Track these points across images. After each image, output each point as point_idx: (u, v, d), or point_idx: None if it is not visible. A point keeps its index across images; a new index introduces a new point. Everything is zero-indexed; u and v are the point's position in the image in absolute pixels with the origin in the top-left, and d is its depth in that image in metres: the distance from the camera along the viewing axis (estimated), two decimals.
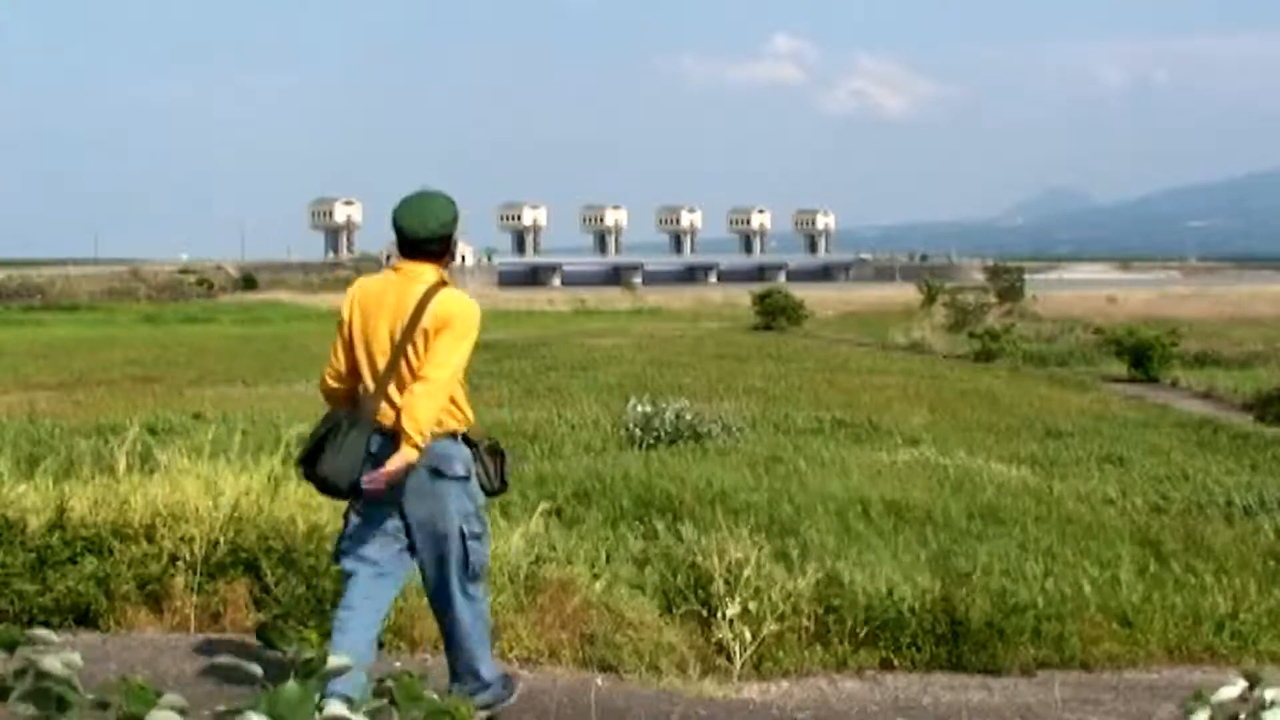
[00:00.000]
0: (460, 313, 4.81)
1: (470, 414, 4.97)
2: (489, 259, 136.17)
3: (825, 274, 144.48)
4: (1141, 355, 29.15)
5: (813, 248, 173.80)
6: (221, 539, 7.02)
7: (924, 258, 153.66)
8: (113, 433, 12.22)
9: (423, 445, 4.63)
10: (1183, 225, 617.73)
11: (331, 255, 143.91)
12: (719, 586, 7.48)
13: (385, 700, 1.55)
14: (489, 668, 5.04)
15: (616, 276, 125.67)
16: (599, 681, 6.59)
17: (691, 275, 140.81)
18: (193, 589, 6.90)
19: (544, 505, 9.09)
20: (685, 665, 6.96)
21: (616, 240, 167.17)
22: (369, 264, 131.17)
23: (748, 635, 7.21)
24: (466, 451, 4.90)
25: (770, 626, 7.41)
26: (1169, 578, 8.83)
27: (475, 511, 4.90)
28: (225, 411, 18.58)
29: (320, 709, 1.48)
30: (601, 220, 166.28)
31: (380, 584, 4.86)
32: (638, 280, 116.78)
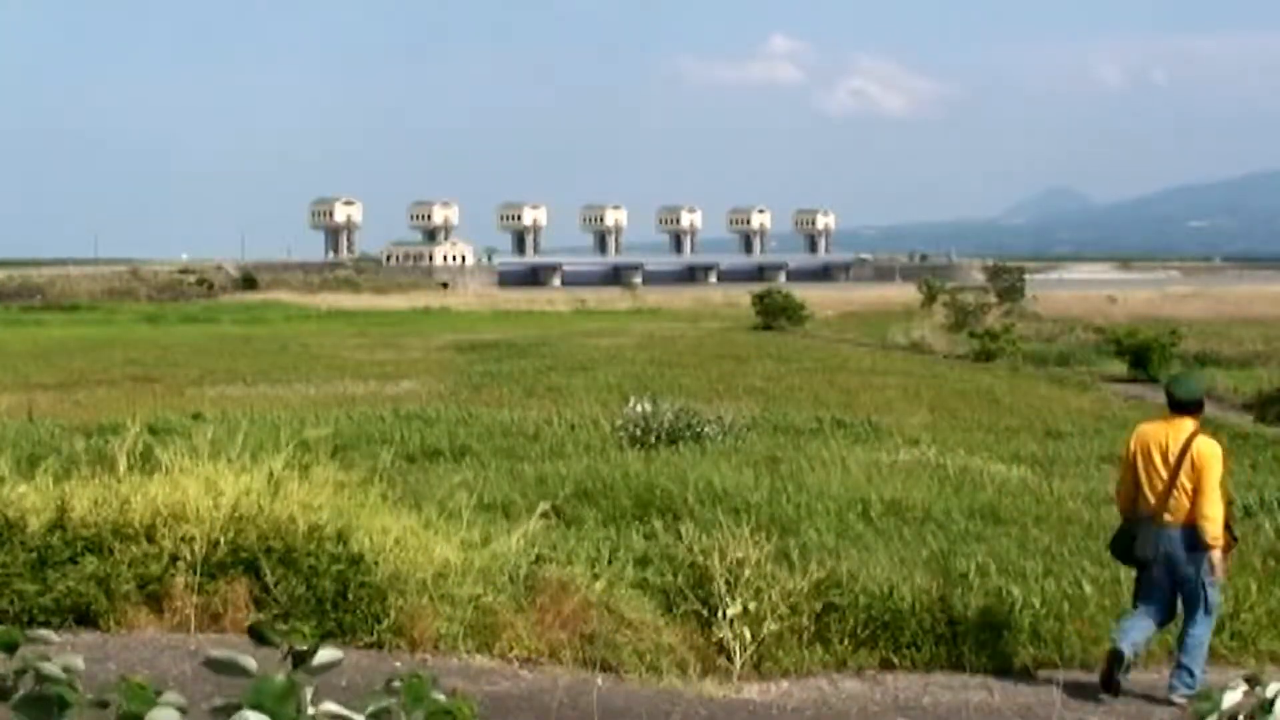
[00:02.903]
0: (1211, 452, 7.55)
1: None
2: (489, 259, 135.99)
3: (825, 274, 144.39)
4: (1141, 355, 29.14)
5: (813, 248, 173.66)
6: (221, 539, 7.02)
7: (924, 258, 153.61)
8: (113, 433, 12.20)
9: (1217, 539, 7.37)
10: (1183, 225, 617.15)
11: (331, 255, 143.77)
12: (719, 586, 7.48)
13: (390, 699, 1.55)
14: (1200, 669, 7.35)
15: (616, 276, 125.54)
16: (600, 682, 6.58)
17: (691, 275, 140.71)
18: (193, 589, 6.89)
19: (544, 505, 9.09)
20: (685, 665, 6.96)
21: (616, 240, 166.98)
22: (368, 264, 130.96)
23: (748, 635, 7.21)
24: None
25: (770, 626, 7.41)
26: None
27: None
28: (225, 411, 18.58)
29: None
30: (601, 220, 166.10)
31: (1144, 621, 7.58)
32: (638, 280, 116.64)
